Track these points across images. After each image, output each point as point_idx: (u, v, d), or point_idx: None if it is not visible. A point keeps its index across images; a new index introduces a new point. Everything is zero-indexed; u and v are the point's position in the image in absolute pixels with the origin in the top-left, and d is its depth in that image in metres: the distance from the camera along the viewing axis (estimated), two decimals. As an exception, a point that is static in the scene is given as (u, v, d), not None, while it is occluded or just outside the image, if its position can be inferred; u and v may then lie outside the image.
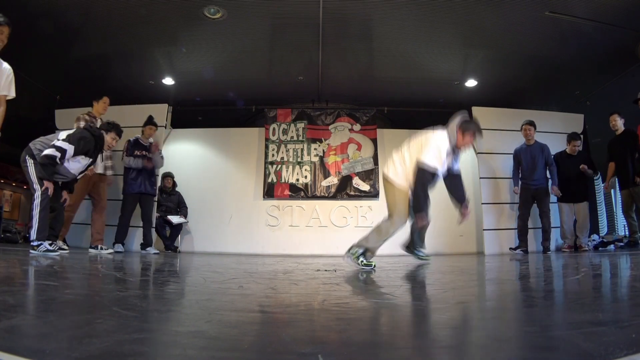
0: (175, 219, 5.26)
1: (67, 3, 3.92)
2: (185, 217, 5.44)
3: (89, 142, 3.36)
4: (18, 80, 3.81)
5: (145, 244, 4.66)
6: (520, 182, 4.85)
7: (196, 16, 4.14)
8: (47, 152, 3.16)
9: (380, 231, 2.59)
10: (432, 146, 2.55)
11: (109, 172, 4.48)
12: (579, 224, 4.83)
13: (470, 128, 2.61)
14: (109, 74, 5.41)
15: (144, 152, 4.66)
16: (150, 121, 4.80)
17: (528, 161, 4.77)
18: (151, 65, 5.31)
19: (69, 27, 4.33)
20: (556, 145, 5.40)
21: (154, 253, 4.47)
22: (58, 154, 3.19)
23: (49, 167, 3.19)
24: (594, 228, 5.81)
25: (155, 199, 5.05)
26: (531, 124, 4.83)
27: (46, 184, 3.20)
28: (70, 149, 3.24)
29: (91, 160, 3.51)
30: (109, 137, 3.57)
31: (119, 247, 4.44)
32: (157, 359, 0.64)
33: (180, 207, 5.49)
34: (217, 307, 1.15)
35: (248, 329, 0.91)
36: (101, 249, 4.18)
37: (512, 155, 5.00)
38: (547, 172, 4.79)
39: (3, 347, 0.62)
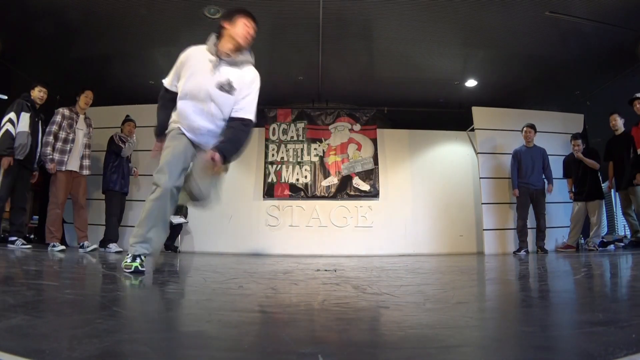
0: (175, 219, 5.21)
1: (67, 3, 3.92)
2: (185, 217, 5.41)
3: (19, 103, 3.76)
4: (18, 80, 3.83)
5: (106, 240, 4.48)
6: (518, 183, 4.88)
7: (196, 16, 4.14)
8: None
9: None
10: None
11: (85, 172, 4.24)
12: (591, 223, 4.83)
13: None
14: (109, 74, 5.41)
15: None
16: (127, 118, 4.88)
17: (528, 163, 4.84)
18: (151, 65, 5.30)
19: (69, 27, 4.33)
20: (556, 145, 5.40)
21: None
22: (10, 125, 3.60)
23: (6, 140, 3.57)
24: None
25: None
26: (532, 126, 4.92)
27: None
28: (10, 114, 3.67)
29: (36, 119, 3.86)
30: (35, 91, 3.86)
31: (115, 247, 4.29)
32: (157, 359, 0.64)
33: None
34: (217, 307, 1.15)
35: (248, 329, 0.91)
36: (87, 246, 4.07)
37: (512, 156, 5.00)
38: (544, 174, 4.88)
39: (3, 347, 0.62)
